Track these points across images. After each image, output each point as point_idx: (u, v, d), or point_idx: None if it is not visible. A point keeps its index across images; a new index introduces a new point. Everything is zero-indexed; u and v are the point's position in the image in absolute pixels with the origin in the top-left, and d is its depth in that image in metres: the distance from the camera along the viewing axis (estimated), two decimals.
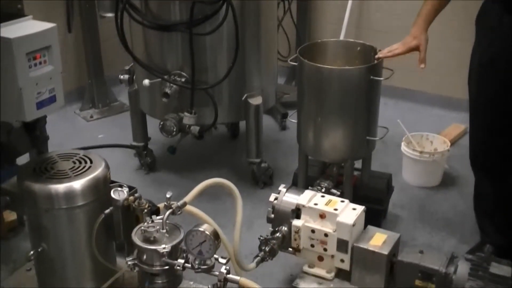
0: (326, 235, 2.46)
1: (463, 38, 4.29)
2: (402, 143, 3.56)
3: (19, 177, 2.30)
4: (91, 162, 2.34)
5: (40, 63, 2.14)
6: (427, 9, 2.83)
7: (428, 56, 4.02)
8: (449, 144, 3.58)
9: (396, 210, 3.33)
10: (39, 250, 2.29)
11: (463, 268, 2.31)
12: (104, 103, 4.65)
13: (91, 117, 4.55)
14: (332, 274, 2.52)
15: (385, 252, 2.39)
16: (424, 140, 3.65)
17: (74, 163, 2.33)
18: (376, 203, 3.02)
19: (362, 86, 2.78)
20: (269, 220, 2.59)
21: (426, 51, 2.80)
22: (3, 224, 3.05)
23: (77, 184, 2.23)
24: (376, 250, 2.41)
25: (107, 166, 2.35)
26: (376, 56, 2.83)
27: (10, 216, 3.08)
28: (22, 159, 2.53)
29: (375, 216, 2.89)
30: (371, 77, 2.75)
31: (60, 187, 2.21)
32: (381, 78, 2.81)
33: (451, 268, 2.33)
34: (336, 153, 2.92)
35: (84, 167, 2.31)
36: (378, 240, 2.46)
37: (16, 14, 2.26)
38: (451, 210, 3.37)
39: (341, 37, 4.46)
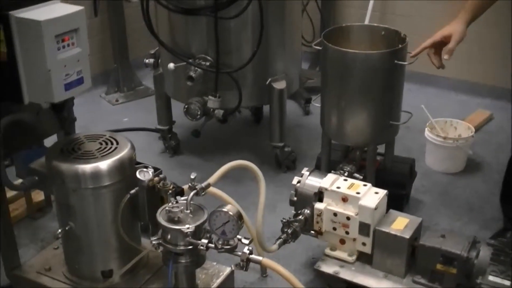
0: (348, 218, 2.48)
1: (486, 23, 4.25)
2: (426, 129, 3.56)
3: (47, 157, 2.35)
4: (117, 143, 2.37)
5: (68, 45, 2.16)
6: (470, 3, 2.76)
7: None
8: (474, 130, 3.56)
9: (419, 195, 3.34)
10: (67, 228, 2.34)
11: (485, 253, 2.32)
12: (129, 87, 4.71)
13: (117, 100, 4.61)
14: (354, 257, 2.54)
15: (407, 236, 2.40)
16: (448, 126, 3.64)
17: (101, 144, 2.37)
18: (398, 187, 3.03)
19: (386, 70, 2.78)
20: (291, 203, 2.61)
21: (458, 44, 2.71)
22: (32, 204, 3.11)
23: (104, 165, 2.27)
24: (398, 234, 2.42)
25: (132, 147, 2.38)
26: (411, 55, 2.78)
27: (38, 196, 3.15)
28: (50, 141, 2.58)
29: (397, 201, 2.90)
30: (395, 61, 2.75)
31: (87, 167, 2.26)
32: (405, 63, 2.81)
33: (473, 252, 2.33)
34: (359, 137, 2.93)
35: (110, 148, 2.34)
36: (400, 224, 2.47)
37: None
38: (474, 196, 3.36)
39: (366, 22, 4.44)
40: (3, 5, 2.11)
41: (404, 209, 3.04)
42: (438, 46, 2.73)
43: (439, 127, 3.60)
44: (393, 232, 2.43)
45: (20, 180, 2.54)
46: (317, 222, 2.54)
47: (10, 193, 2.84)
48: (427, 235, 2.43)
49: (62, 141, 2.43)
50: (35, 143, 2.54)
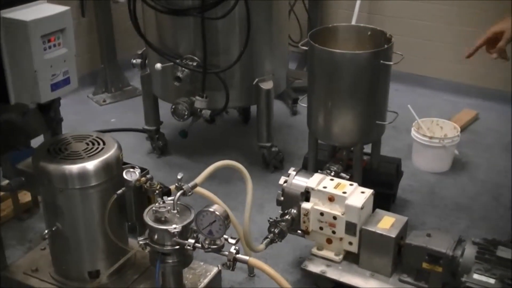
0: (334, 217, 2.50)
1: (473, 24, 4.29)
2: (412, 128, 3.58)
3: (34, 158, 2.34)
4: (104, 143, 2.38)
5: (55, 45, 2.17)
6: None
7: (440, 42, 4.04)
8: (459, 129, 3.59)
9: (406, 194, 3.36)
10: (54, 229, 2.34)
11: (470, 252, 2.34)
12: (117, 87, 4.70)
13: (104, 101, 4.60)
14: (341, 256, 2.56)
15: (393, 235, 2.42)
16: (434, 126, 3.66)
17: (88, 144, 2.37)
18: (385, 187, 3.05)
19: (372, 70, 2.79)
20: (278, 202, 2.63)
21: (508, 42, 2.57)
22: (19, 205, 3.10)
23: (90, 165, 2.27)
24: (384, 233, 2.44)
25: (119, 148, 2.39)
26: (466, 57, 2.73)
27: (25, 197, 3.14)
28: (37, 141, 2.58)
29: (384, 200, 2.92)
30: (381, 61, 2.77)
31: (74, 168, 2.26)
32: (391, 63, 2.82)
33: (458, 251, 2.36)
34: (345, 137, 2.94)
35: (97, 148, 2.34)
36: (386, 223, 2.49)
37: None
38: (461, 195, 3.39)
39: (353, 22, 4.46)
40: None
41: (391, 209, 3.06)
42: (491, 42, 2.63)
43: (426, 126, 3.62)
44: (379, 231, 2.45)
45: (7, 181, 2.54)
46: (304, 222, 2.56)
47: None
48: (413, 234, 2.46)
49: (49, 142, 2.43)
50: (22, 144, 2.53)
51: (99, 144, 2.37)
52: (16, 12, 2.10)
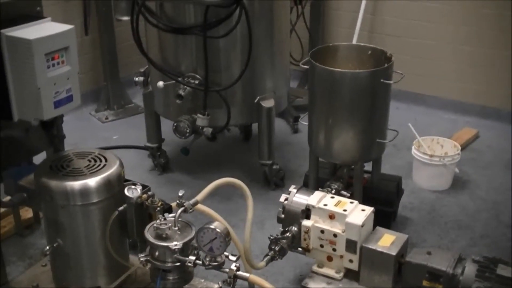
0: (335, 235, 2.50)
1: (474, 43, 4.33)
2: (413, 147, 3.59)
3: (36, 174, 2.36)
4: (106, 160, 2.39)
5: (58, 63, 2.19)
6: None
7: (440, 61, 4.06)
8: (460, 148, 3.60)
9: (406, 212, 3.36)
10: (55, 245, 2.35)
11: (470, 270, 2.34)
12: (119, 104, 4.73)
13: (106, 118, 4.62)
14: (341, 274, 2.55)
15: (393, 253, 2.42)
16: (435, 144, 3.68)
17: (90, 161, 2.39)
18: (385, 205, 3.05)
19: (372, 89, 2.82)
20: (279, 220, 2.63)
21: None
22: (20, 221, 3.11)
23: (92, 182, 2.29)
24: (384, 251, 2.44)
25: (121, 165, 2.40)
26: None
27: (27, 214, 3.15)
28: (39, 158, 2.59)
29: (384, 218, 2.92)
30: (381, 80, 2.79)
31: (75, 184, 2.27)
32: (391, 82, 2.85)
33: (458, 269, 2.35)
34: (346, 155, 2.95)
35: (99, 165, 2.36)
36: (387, 241, 2.49)
37: (35, 16, 2.32)
38: (461, 213, 3.39)
39: (354, 41, 4.50)
40: None
41: (392, 227, 3.06)
42: None
43: (426, 145, 3.64)
44: (379, 249, 2.44)
45: (8, 197, 2.55)
46: (305, 239, 2.56)
47: None
48: (413, 252, 2.45)
49: (51, 158, 2.45)
50: (24, 160, 2.56)
51: (101, 161, 2.39)
52: (21, 30, 2.13)
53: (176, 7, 3.25)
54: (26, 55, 2.09)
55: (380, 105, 2.89)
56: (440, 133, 3.83)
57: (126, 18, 4.09)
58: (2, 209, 3.01)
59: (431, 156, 3.52)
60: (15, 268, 2.89)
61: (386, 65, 2.85)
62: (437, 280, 2.35)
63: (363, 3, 4.57)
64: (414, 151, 3.58)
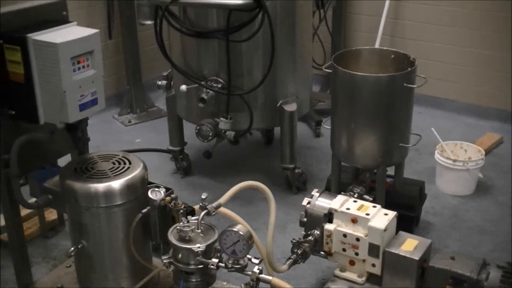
0: (357, 239, 2.49)
1: (495, 47, 4.30)
2: (436, 151, 3.57)
3: (61, 176, 2.39)
4: (129, 163, 2.42)
5: (84, 67, 2.22)
6: None
7: (461, 65, 4.04)
8: (484, 153, 3.57)
9: (429, 217, 3.34)
10: (79, 246, 2.37)
11: (494, 275, 2.31)
12: (141, 108, 4.76)
13: (129, 122, 4.66)
14: (363, 278, 2.54)
15: (416, 258, 2.40)
16: (458, 149, 3.65)
17: (114, 163, 2.42)
18: (408, 210, 3.04)
19: (396, 93, 2.81)
20: (301, 223, 2.63)
21: None
22: (45, 222, 3.15)
23: (116, 184, 2.31)
24: (407, 255, 2.42)
25: (145, 167, 2.42)
26: None
27: (51, 215, 3.19)
28: (63, 160, 2.62)
29: (407, 223, 2.91)
30: (405, 84, 2.78)
31: (99, 187, 2.30)
32: (414, 86, 2.83)
33: (482, 275, 2.33)
34: (369, 159, 2.95)
35: (123, 167, 2.39)
36: (410, 246, 2.47)
37: (61, 20, 2.35)
38: (484, 218, 3.36)
39: (376, 45, 4.49)
40: (21, 28, 2.17)
41: (414, 231, 3.05)
42: None
43: (449, 149, 3.61)
44: (402, 254, 2.43)
45: (34, 199, 2.59)
46: (327, 243, 2.55)
47: (23, 212, 2.87)
48: (436, 257, 2.43)
49: (76, 161, 2.48)
50: (49, 162, 2.59)
51: (125, 163, 2.41)
52: (47, 35, 2.16)
53: (199, 11, 3.28)
54: (52, 59, 2.12)
55: (403, 109, 2.88)
56: (462, 138, 3.80)
57: (149, 22, 4.09)
58: (27, 211, 3.06)
59: (454, 161, 3.49)
60: (39, 269, 2.92)
61: (409, 69, 2.84)
62: (461, 285, 2.33)
63: (386, 7, 4.56)
64: (437, 155, 3.56)
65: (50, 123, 2.27)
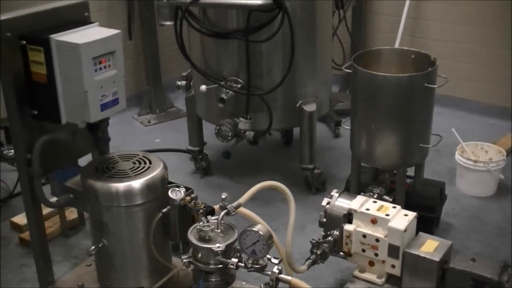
0: (377, 240, 2.48)
1: None
2: (456, 152, 3.55)
3: (82, 176, 2.41)
4: (150, 162, 2.43)
5: (105, 67, 2.24)
6: None
7: (482, 65, 3.99)
8: (505, 153, 3.54)
9: (449, 218, 3.32)
10: (100, 245, 2.39)
11: None
12: (161, 108, 4.79)
13: (149, 122, 4.68)
14: (383, 279, 2.54)
15: (437, 259, 2.39)
16: (479, 150, 3.62)
17: (134, 163, 2.43)
18: (428, 211, 3.02)
19: (416, 93, 2.79)
20: (321, 224, 2.62)
21: None
22: (65, 221, 3.18)
23: (137, 184, 2.32)
24: (428, 257, 2.41)
25: (165, 167, 2.44)
26: None
27: (72, 214, 3.22)
28: (84, 160, 2.65)
29: (427, 224, 2.89)
30: (425, 84, 2.77)
31: (120, 186, 2.32)
32: (435, 86, 2.82)
33: (504, 277, 2.31)
34: (389, 159, 2.93)
35: (143, 167, 2.40)
36: (430, 247, 2.46)
37: (83, 21, 2.38)
38: (505, 220, 3.33)
39: (396, 45, 4.46)
40: (44, 29, 2.19)
41: (434, 232, 3.03)
42: None
43: (470, 150, 3.59)
44: (422, 255, 2.42)
45: (55, 198, 2.61)
46: (346, 244, 2.55)
47: (44, 211, 2.90)
48: (457, 259, 2.42)
49: (97, 160, 2.50)
50: (70, 162, 2.61)
51: (145, 163, 2.43)
52: (70, 35, 2.18)
53: (218, 12, 3.29)
54: (74, 59, 2.14)
55: (423, 109, 2.86)
56: (483, 139, 3.76)
57: (169, 23, 4.12)
58: (48, 210, 3.09)
59: (475, 161, 3.47)
60: (60, 267, 2.95)
61: (429, 69, 2.82)
62: (482, 287, 2.32)
63: (406, 7, 4.54)
64: (457, 156, 3.54)
65: (72, 123, 2.29)
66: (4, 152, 3.09)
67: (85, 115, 2.23)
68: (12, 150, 2.94)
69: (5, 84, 2.24)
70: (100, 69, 2.22)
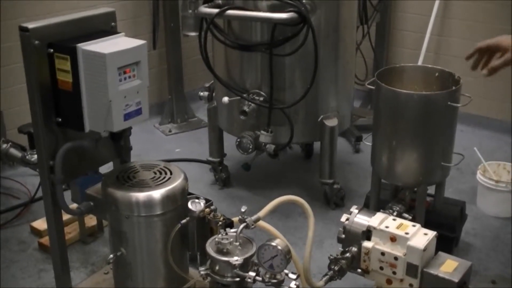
0: (396, 258, 2.46)
1: None
2: (478, 171, 3.52)
3: (103, 184, 2.43)
4: (171, 173, 2.44)
5: (130, 77, 2.25)
6: None
7: (505, 84, 3.95)
8: None
9: (469, 238, 3.29)
10: (118, 254, 2.40)
11: None
12: (182, 118, 4.81)
13: (170, 131, 4.71)
14: None
15: (456, 279, 2.37)
16: (501, 169, 3.59)
17: (155, 173, 2.44)
18: (448, 230, 2.99)
19: (439, 111, 2.78)
20: (339, 240, 2.61)
21: (507, 65, 2.32)
22: (84, 228, 3.20)
23: (157, 194, 2.33)
24: (446, 277, 2.38)
25: (185, 178, 2.44)
26: (465, 58, 2.54)
27: (91, 221, 3.24)
28: (105, 168, 2.67)
29: (446, 243, 2.87)
30: (449, 103, 2.75)
31: (140, 196, 2.33)
32: (459, 105, 2.80)
33: None
34: (409, 177, 2.92)
35: (164, 177, 2.41)
36: (449, 267, 2.44)
37: (110, 31, 2.40)
38: None
39: (419, 62, 4.45)
40: (71, 38, 2.22)
41: (454, 252, 3.00)
42: (492, 54, 2.38)
43: (492, 170, 3.55)
44: (441, 275, 2.39)
45: (75, 205, 2.63)
46: (364, 261, 2.53)
47: (64, 217, 2.92)
48: (477, 280, 2.40)
49: (118, 169, 2.52)
50: (92, 170, 2.63)
51: (166, 173, 2.44)
52: (96, 45, 2.20)
53: (243, 24, 3.30)
54: (100, 69, 2.16)
55: (446, 128, 2.85)
56: (506, 158, 3.73)
57: (193, 33, 4.17)
58: (67, 216, 3.11)
59: (497, 181, 3.43)
60: (78, 274, 2.97)
61: (454, 87, 2.81)
62: None
63: (431, 24, 4.52)
64: (479, 176, 3.50)
65: (95, 131, 2.31)
66: (27, 157, 3.12)
67: (109, 124, 2.25)
68: (35, 155, 2.97)
69: (31, 90, 2.27)
70: (125, 79, 2.24)
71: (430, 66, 3.19)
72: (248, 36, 3.30)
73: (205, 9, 3.21)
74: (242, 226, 2.21)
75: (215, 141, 3.76)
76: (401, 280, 2.48)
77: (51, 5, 3.94)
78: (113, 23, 2.45)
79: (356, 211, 2.60)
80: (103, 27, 2.40)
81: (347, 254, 2.54)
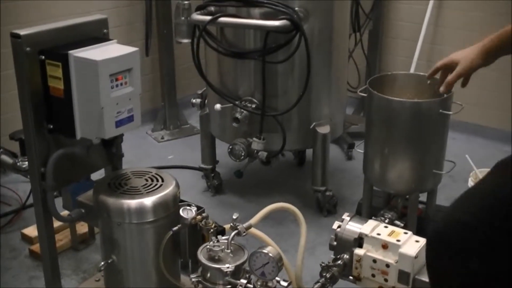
0: (387, 265, 2.46)
1: None
2: (470, 179, 3.53)
3: (94, 191, 2.42)
4: (162, 180, 2.44)
5: (122, 84, 2.25)
6: (492, 38, 2.26)
7: (497, 92, 3.96)
8: None
9: None
10: (109, 261, 2.39)
11: None
12: (175, 125, 4.81)
13: (162, 138, 4.70)
14: None
15: None
16: None
17: (147, 180, 2.44)
18: None
19: (431, 119, 2.79)
20: (331, 247, 2.61)
21: (462, 76, 2.32)
22: (76, 235, 3.18)
23: (148, 201, 2.33)
24: None
25: (177, 185, 2.44)
26: (427, 77, 2.63)
27: (82, 228, 3.23)
28: (96, 175, 2.66)
29: None
30: (440, 110, 2.76)
31: (132, 203, 2.32)
32: (450, 112, 2.82)
33: None
34: (401, 184, 2.93)
35: (156, 184, 2.41)
36: None
37: (102, 38, 2.40)
38: None
39: (411, 70, 4.47)
40: (63, 44, 2.22)
41: None
42: (450, 71, 2.39)
43: None
44: None
45: (66, 212, 2.62)
46: (356, 268, 2.53)
47: (55, 224, 2.91)
48: None
49: (109, 176, 2.51)
50: (83, 176, 2.62)
51: (158, 181, 2.44)
52: (88, 52, 2.19)
53: (236, 32, 3.31)
54: (91, 76, 2.16)
55: (437, 135, 2.86)
56: None
57: (186, 40, 4.16)
58: (58, 223, 3.10)
59: None
60: (69, 281, 2.95)
61: (445, 95, 2.82)
62: None
63: (423, 32, 4.54)
64: (470, 183, 3.52)
65: (87, 138, 2.31)
66: (18, 163, 3.11)
67: (100, 131, 2.24)
68: (26, 162, 2.96)
69: (22, 97, 2.26)
70: (117, 86, 2.23)
71: (422, 74, 3.20)
72: (241, 44, 3.30)
73: (197, 16, 3.22)
74: (233, 233, 2.21)
75: (208, 148, 3.76)
76: None
77: (45, 11, 3.94)
78: (105, 30, 2.45)
79: (348, 218, 2.60)
80: (95, 34, 2.40)
81: (339, 262, 2.54)
